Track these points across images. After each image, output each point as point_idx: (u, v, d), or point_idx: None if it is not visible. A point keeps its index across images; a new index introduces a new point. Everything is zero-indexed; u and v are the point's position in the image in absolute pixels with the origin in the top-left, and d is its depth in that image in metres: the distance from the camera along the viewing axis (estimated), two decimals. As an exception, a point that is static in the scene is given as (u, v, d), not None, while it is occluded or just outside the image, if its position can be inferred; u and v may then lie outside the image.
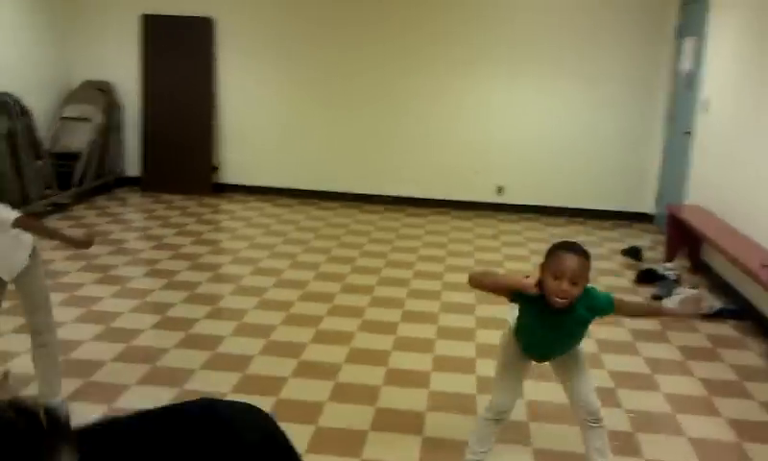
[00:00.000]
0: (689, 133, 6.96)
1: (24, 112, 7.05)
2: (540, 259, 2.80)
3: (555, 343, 2.88)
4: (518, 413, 3.56)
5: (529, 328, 2.89)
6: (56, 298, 4.95)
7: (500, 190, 8.31)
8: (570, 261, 2.61)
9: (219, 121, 8.59)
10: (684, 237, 6.28)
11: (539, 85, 8.08)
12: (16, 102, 6.96)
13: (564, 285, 2.60)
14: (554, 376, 3.11)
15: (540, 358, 3.01)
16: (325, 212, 7.98)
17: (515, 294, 2.79)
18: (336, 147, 8.51)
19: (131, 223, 7.18)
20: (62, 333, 4.39)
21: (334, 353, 4.32)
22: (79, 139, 8.04)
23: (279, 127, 8.54)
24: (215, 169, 8.65)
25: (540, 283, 2.68)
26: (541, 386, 3.80)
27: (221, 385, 3.84)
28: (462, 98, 8.22)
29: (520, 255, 6.69)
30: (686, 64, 7.29)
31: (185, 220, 7.34)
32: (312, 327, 4.69)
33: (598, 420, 2.93)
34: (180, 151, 8.55)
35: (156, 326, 4.63)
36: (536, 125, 8.17)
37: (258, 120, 8.57)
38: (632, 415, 3.73)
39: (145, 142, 8.62)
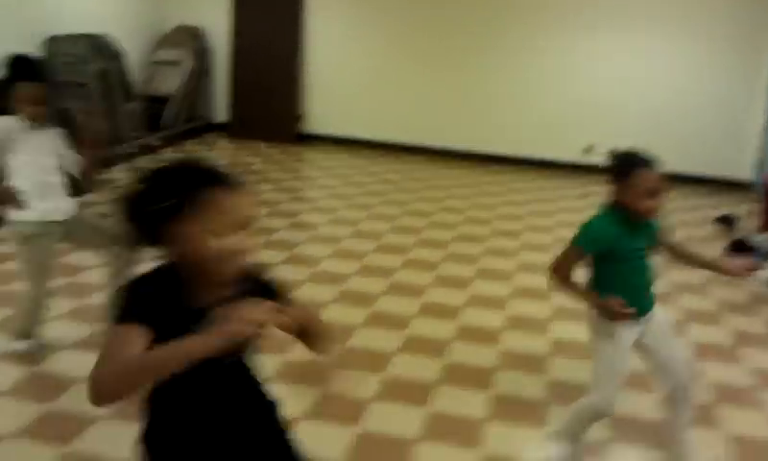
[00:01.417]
0: (796, 97, 6.53)
1: (117, 55, 7.22)
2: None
3: (643, 265, 2.64)
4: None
5: (620, 272, 2.60)
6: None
7: (589, 150, 8.02)
8: (659, 178, 2.56)
9: (306, 71, 8.61)
10: (782, 207, 5.91)
11: (635, 42, 7.70)
12: (110, 44, 7.13)
13: (658, 201, 2.52)
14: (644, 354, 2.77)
15: (646, 301, 2.65)
16: (408, 166, 7.91)
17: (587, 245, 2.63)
18: (422, 101, 8.39)
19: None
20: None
21: (406, 305, 4.30)
22: (169, 83, 8.22)
23: (366, 79, 8.48)
24: (299, 118, 8.69)
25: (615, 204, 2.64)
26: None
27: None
28: (554, 55, 7.93)
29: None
30: (798, 23, 6.81)
31: (267, 167, 7.41)
32: (385, 279, 4.68)
33: (690, 392, 2.70)
34: (266, 98, 8.61)
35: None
36: (631, 84, 7.81)
37: (345, 71, 8.53)
38: (712, 387, 3.57)
39: (233, 89, 8.72)
